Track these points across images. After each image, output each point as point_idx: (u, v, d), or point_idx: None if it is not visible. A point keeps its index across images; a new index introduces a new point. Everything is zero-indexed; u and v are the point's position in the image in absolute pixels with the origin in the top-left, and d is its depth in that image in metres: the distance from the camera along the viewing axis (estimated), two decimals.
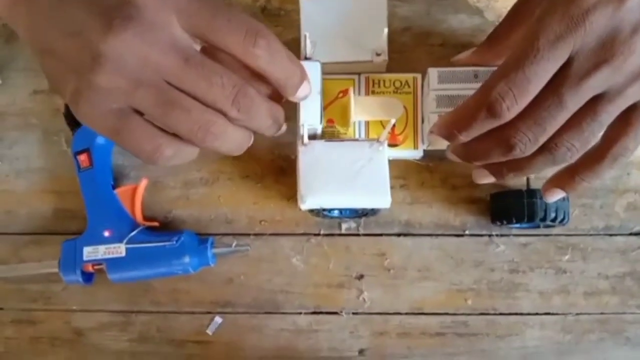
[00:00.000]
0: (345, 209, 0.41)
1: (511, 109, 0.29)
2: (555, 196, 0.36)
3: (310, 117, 0.35)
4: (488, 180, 0.37)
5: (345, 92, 0.40)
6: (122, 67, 0.27)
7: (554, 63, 0.28)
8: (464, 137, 0.32)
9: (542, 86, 0.29)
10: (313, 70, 0.35)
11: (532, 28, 0.29)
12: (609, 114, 0.29)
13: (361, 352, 0.43)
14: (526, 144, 0.30)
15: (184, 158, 0.31)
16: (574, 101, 0.28)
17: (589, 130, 0.29)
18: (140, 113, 0.29)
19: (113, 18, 0.27)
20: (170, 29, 0.28)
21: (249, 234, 0.44)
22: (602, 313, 0.43)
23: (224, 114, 0.29)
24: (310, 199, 0.36)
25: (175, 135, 0.30)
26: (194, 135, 0.29)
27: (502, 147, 0.31)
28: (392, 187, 0.36)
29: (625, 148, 0.31)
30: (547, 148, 0.31)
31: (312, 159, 0.36)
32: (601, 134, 0.32)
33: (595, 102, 0.29)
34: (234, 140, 0.31)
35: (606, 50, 0.28)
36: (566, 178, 0.34)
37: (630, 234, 0.43)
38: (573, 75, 0.28)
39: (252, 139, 0.33)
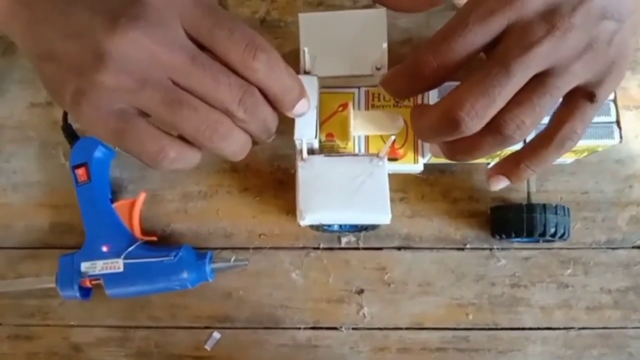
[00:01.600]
0: (345, 224, 0.40)
1: (437, 76, 0.30)
2: (499, 184, 0.34)
3: (305, 132, 0.35)
4: (441, 156, 0.35)
5: (345, 106, 0.39)
6: (128, 66, 0.27)
7: (483, 37, 0.28)
8: (399, 97, 0.34)
9: (469, 58, 0.29)
10: (310, 84, 0.35)
11: (468, 3, 0.29)
12: (558, 88, 0.28)
13: None
14: (473, 119, 0.28)
15: (187, 161, 0.31)
16: (520, 69, 0.28)
17: (539, 105, 0.28)
18: (143, 115, 0.29)
19: (119, 17, 0.26)
20: (176, 29, 0.28)
21: (248, 248, 0.43)
22: (604, 328, 0.42)
23: (230, 115, 0.29)
24: (310, 215, 0.35)
25: (179, 138, 0.30)
26: (200, 135, 0.29)
27: (448, 121, 0.29)
28: (392, 201, 0.36)
29: (572, 131, 0.30)
30: (495, 125, 0.29)
31: (311, 175, 0.36)
32: (548, 114, 0.31)
33: (542, 77, 0.28)
34: (239, 142, 0.31)
35: (547, 23, 0.27)
36: (511, 165, 0.33)
37: (633, 247, 0.43)
38: (517, 45, 0.28)
39: (251, 144, 0.33)
